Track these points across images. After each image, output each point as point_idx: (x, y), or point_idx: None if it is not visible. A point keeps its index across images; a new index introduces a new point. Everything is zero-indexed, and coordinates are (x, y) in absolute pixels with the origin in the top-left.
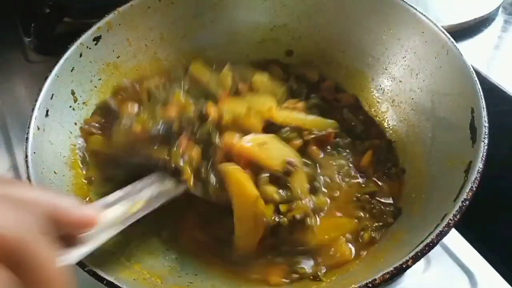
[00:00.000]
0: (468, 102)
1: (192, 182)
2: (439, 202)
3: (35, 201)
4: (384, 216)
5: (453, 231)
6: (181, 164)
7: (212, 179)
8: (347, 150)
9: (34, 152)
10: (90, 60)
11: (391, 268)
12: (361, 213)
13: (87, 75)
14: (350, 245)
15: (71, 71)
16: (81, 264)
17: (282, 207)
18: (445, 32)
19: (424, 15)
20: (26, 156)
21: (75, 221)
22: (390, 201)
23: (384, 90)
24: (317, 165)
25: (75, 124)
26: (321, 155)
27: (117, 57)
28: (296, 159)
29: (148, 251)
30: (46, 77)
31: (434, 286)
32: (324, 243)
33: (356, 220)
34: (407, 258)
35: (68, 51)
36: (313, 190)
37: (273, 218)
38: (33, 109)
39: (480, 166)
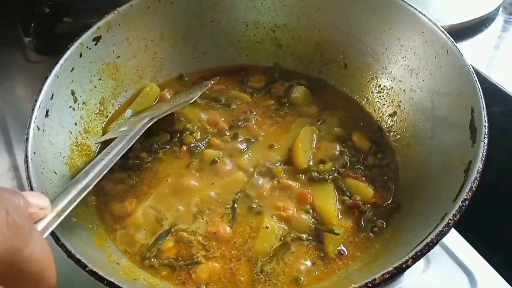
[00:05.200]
0: (468, 102)
1: None
2: (438, 202)
3: None
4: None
5: (453, 231)
6: None
7: None
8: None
9: (34, 152)
10: (90, 60)
11: (391, 268)
12: None
13: (87, 75)
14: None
15: (71, 71)
16: (81, 264)
17: None
18: (445, 32)
19: (424, 15)
20: (26, 156)
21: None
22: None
23: (384, 90)
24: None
25: (75, 124)
26: None
27: (117, 57)
28: None
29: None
30: (46, 77)
31: (434, 286)
32: None
33: None
34: (407, 258)
35: (68, 51)
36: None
37: None
38: (33, 109)
39: (480, 166)
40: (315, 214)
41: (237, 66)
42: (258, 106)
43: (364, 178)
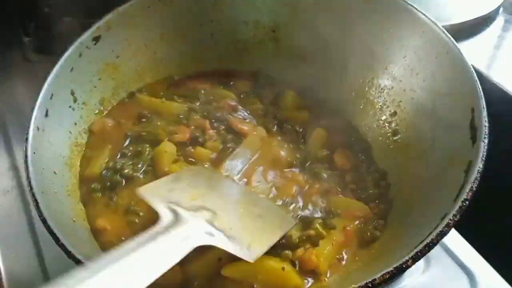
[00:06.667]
0: (468, 102)
1: None
2: (439, 202)
3: None
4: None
5: (453, 231)
6: None
7: None
8: None
9: (34, 152)
10: (90, 60)
11: (391, 268)
12: None
13: (86, 75)
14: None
15: (71, 71)
16: (82, 264)
17: None
18: (446, 32)
19: (425, 15)
20: (26, 156)
21: None
22: None
23: (384, 90)
24: None
25: (75, 124)
26: None
27: (117, 57)
28: None
29: None
30: (46, 77)
31: (434, 286)
32: None
33: None
34: (407, 258)
35: (68, 51)
36: None
37: None
38: (33, 109)
39: (480, 166)
40: None
41: (224, 71)
42: (246, 106)
43: (355, 199)
